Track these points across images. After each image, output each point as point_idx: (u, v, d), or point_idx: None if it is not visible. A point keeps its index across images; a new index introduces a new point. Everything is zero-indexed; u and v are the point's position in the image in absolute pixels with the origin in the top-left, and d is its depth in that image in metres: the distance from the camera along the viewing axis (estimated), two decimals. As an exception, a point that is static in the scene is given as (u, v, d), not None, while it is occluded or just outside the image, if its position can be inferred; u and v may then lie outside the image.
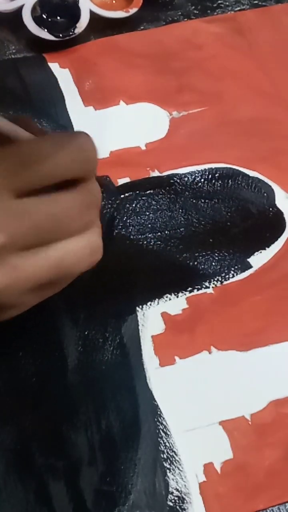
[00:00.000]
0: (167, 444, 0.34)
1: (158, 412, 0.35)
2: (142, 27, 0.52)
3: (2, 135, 0.29)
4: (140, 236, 0.41)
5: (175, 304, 0.38)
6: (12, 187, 0.28)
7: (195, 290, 0.39)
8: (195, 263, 0.40)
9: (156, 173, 0.43)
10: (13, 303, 0.30)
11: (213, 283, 0.39)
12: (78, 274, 0.31)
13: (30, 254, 0.29)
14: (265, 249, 0.41)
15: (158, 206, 0.42)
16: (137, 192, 0.42)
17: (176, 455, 0.33)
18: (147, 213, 0.42)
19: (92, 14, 0.50)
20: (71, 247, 0.30)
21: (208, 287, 0.39)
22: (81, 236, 0.30)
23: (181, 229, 0.41)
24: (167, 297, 0.38)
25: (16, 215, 0.28)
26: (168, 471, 0.33)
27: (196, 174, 0.43)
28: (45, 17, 0.50)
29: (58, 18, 0.51)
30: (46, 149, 0.29)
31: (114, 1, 0.53)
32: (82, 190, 0.30)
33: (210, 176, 0.43)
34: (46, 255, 0.29)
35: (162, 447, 0.34)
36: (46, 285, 0.30)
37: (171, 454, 0.33)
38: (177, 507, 0.32)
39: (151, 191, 0.43)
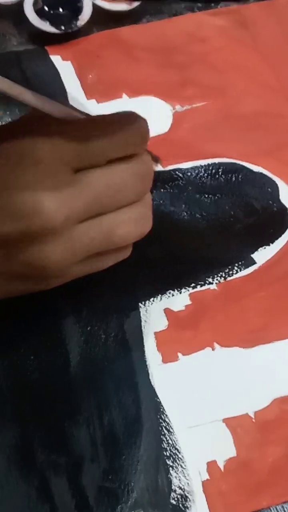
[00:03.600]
0: (170, 441, 0.34)
1: (161, 409, 0.34)
2: (145, 20, 0.52)
3: (61, 116, 0.30)
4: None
5: (178, 300, 0.38)
6: (71, 163, 0.29)
7: (199, 286, 0.39)
8: (198, 259, 0.39)
9: (159, 168, 0.43)
10: (63, 272, 0.31)
11: (217, 279, 0.39)
12: (126, 245, 0.33)
13: (85, 225, 0.30)
14: (269, 245, 0.40)
15: (161, 201, 0.42)
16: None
17: (179, 452, 0.33)
18: (150, 208, 0.41)
19: (95, 6, 0.50)
20: (123, 217, 0.31)
21: (212, 283, 0.39)
22: (133, 207, 0.32)
23: (184, 225, 0.41)
24: (170, 293, 0.38)
25: (77, 188, 0.29)
26: (171, 468, 0.33)
27: (200, 169, 0.43)
28: (47, 9, 0.50)
29: (60, 10, 0.50)
30: (102, 127, 0.30)
31: (117, -6, 0.52)
32: (137, 161, 0.31)
33: (213, 171, 0.43)
34: (100, 226, 0.31)
35: (165, 444, 0.33)
36: (95, 257, 0.32)
37: (174, 451, 0.33)
38: (180, 505, 0.32)
39: (154, 186, 0.42)
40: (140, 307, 0.38)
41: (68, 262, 0.31)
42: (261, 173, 0.43)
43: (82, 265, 0.32)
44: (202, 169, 0.43)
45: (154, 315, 0.37)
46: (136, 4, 0.51)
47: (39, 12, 0.49)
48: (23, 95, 0.28)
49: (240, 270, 0.39)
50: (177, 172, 0.43)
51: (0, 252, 0.30)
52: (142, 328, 0.37)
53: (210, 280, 0.39)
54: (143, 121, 0.32)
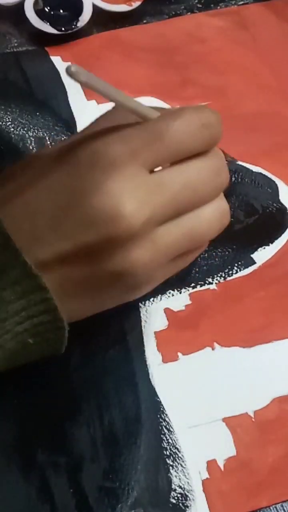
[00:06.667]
0: (170, 440, 0.34)
1: (161, 409, 0.34)
2: (145, 21, 0.52)
3: (135, 115, 0.30)
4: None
5: (178, 300, 0.38)
6: (147, 163, 0.29)
7: (198, 286, 0.39)
8: (198, 259, 0.39)
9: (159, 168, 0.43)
10: (151, 278, 0.31)
11: (216, 279, 0.39)
12: (208, 241, 0.33)
13: (166, 226, 0.30)
14: (268, 245, 0.41)
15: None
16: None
17: (179, 451, 0.33)
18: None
19: (95, 7, 0.50)
20: (203, 214, 0.31)
21: (212, 283, 0.39)
22: (212, 203, 0.31)
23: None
24: (170, 293, 0.38)
25: (155, 188, 0.29)
26: (171, 468, 0.33)
27: (199, 169, 0.43)
28: (47, 10, 0.50)
29: (61, 11, 0.50)
30: (176, 128, 0.29)
31: (117, -6, 0.52)
32: (211, 156, 0.31)
33: (213, 171, 0.43)
34: (181, 226, 0.30)
35: (165, 443, 0.33)
36: (179, 257, 0.32)
37: (174, 451, 0.33)
38: (180, 504, 0.32)
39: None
40: (140, 307, 0.38)
41: (155, 265, 0.30)
42: (260, 173, 0.43)
43: (167, 266, 0.31)
44: (202, 170, 0.43)
45: (154, 315, 0.37)
46: (136, 5, 0.51)
47: (40, 13, 0.49)
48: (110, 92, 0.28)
49: (240, 270, 0.39)
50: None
51: (85, 263, 0.29)
52: (142, 328, 0.37)
53: (210, 280, 0.39)
54: (213, 116, 0.31)
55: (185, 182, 0.30)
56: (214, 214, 0.31)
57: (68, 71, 0.25)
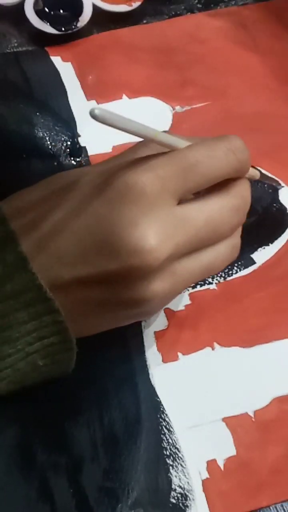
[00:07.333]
0: (170, 440, 0.34)
1: (161, 409, 0.34)
2: (145, 21, 0.52)
3: (164, 146, 0.30)
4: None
5: (178, 300, 0.38)
6: (176, 194, 0.29)
7: (198, 286, 0.39)
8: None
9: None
10: (164, 304, 0.33)
11: (216, 279, 0.39)
12: None
13: (186, 260, 0.31)
14: (268, 245, 0.41)
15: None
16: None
17: (179, 451, 0.33)
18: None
19: (95, 7, 0.50)
20: (219, 251, 0.32)
21: (211, 283, 0.39)
22: (228, 240, 0.32)
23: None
24: (170, 293, 0.38)
25: (180, 223, 0.29)
26: (171, 468, 0.33)
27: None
28: (47, 10, 0.50)
29: (61, 11, 0.50)
30: (202, 153, 0.30)
31: (116, -5, 0.52)
32: (234, 193, 0.32)
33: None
34: (200, 260, 0.31)
35: (165, 443, 0.33)
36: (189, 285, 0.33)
37: (174, 450, 0.33)
38: (180, 504, 0.32)
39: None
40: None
41: (173, 295, 0.32)
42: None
43: (179, 293, 0.33)
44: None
45: (154, 315, 0.37)
46: (136, 5, 0.51)
47: (40, 13, 0.49)
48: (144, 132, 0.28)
49: (240, 270, 0.39)
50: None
51: (103, 288, 0.29)
52: (142, 328, 0.37)
53: (210, 280, 0.39)
54: (239, 143, 0.32)
55: (207, 220, 0.30)
56: (228, 250, 0.32)
57: (92, 114, 0.25)
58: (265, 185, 0.43)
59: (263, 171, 0.35)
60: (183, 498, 0.32)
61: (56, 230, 0.29)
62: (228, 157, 0.31)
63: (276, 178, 0.38)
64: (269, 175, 0.36)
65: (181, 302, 0.38)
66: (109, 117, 0.26)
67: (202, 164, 0.30)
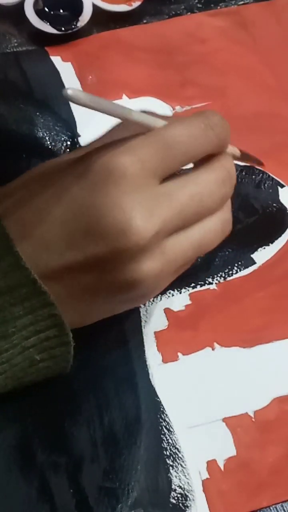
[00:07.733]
0: (170, 440, 0.34)
1: (161, 409, 0.34)
2: (145, 21, 0.52)
3: (141, 126, 0.30)
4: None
5: (178, 300, 0.38)
6: (157, 174, 0.29)
7: (198, 286, 0.39)
8: (198, 259, 0.39)
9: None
10: (159, 285, 0.32)
11: (217, 279, 0.39)
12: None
13: (175, 238, 0.30)
14: (268, 245, 0.41)
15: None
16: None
17: (179, 452, 0.33)
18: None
19: (95, 7, 0.50)
20: (209, 227, 0.31)
21: (212, 283, 0.39)
22: (217, 214, 0.32)
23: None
24: (170, 293, 0.38)
25: (164, 199, 0.29)
26: (171, 468, 0.33)
27: (200, 169, 0.43)
28: (47, 10, 0.50)
29: (61, 11, 0.50)
30: (181, 131, 0.30)
31: (116, -6, 0.52)
32: (216, 166, 0.31)
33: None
34: (189, 237, 0.31)
35: (165, 443, 0.33)
36: (183, 266, 0.32)
37: (174, 451, 0.33)
38: (180, 504, 0.32)
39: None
40: (140, 307, 0.38)
41: (164, 274, 0.31)
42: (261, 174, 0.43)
43: (173, 274, 0.32)
44: (202, 170, 0.43)
45: (154, 315, 0.37)
46: (136, 5, 0.51)
47: (40, 13, 0.49)
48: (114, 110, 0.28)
49: (240, 270, 0.39)
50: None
51: (94, 272, 0.29)
52: (142, 328, 0.37)
53: (210, 280, 0.39)
54: (217, 118, 0.31)
55: (192, 194, 0.30)
56: (218, 225, 0.32)
57: (65, 95, 0.24)
58: (266, 185, 0.43)
59: (244, 151, 0.35)
60: (183, 498, 0.32)
61: (39, 218, 0.29)
62: (207, 133, 0.30)
63: (257, 158, 0.37)
64: (250, 154, 0.35)
65: (181, 302, 0.38)
66: (82, 97, 0.25)
67: (181, 142, 0.29)
